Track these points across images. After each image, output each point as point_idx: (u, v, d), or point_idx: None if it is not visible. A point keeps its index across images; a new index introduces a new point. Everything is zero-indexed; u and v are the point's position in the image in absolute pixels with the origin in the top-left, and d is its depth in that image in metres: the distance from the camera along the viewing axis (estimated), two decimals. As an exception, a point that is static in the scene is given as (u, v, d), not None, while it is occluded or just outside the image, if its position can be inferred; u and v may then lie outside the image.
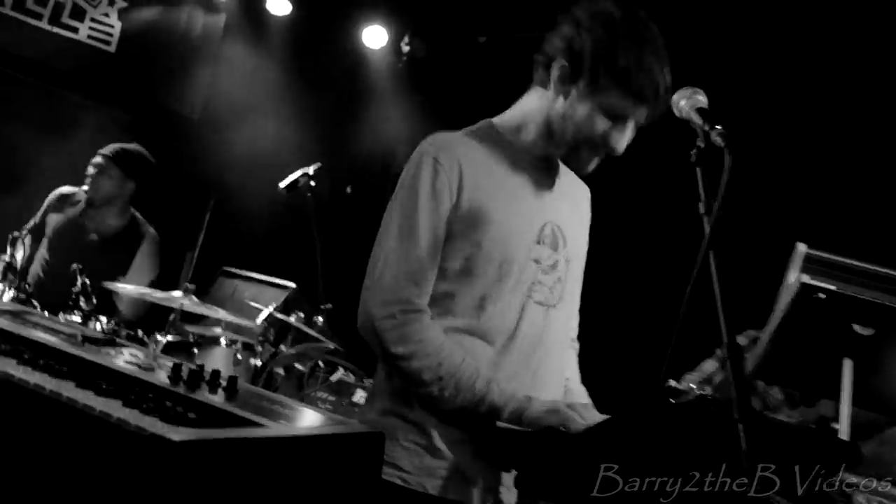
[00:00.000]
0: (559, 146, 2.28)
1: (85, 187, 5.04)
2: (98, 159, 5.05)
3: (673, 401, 1.74)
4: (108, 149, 5.10)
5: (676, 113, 2.17)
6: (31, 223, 5.00)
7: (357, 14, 7.05)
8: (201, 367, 1.61)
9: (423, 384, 2.14)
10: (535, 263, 2.26)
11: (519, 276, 2.23)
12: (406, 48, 7.09)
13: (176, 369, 1.60)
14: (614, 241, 2.56)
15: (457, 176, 2.18)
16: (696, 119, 2.06)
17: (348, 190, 7.24)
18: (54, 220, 5.03)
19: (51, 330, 1.84)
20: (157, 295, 4.19)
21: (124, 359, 1.68)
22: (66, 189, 5.13)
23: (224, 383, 1.65)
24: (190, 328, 4.57)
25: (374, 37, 7.08)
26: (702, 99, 2.12)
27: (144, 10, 6.50)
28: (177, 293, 4.20)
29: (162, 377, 1.59)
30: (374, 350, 2.22)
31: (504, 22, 6.38)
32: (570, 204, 2.44)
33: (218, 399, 1.53)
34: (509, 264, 2.21)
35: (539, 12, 2.50)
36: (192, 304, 4.16)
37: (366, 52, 7.18)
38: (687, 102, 2.12)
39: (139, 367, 1.63)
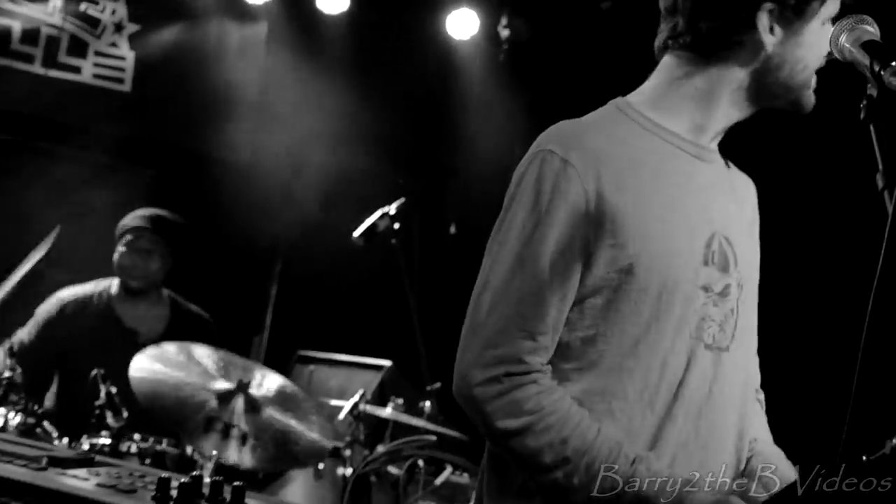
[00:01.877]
0: (773, 99, 2.27)
1: (114, 281, 5.14)
2: (143, 238, 5.09)
3: (865, 457, 1.65)
4: (144, 219, 5.15)
5: (836, 54, 2.15)
6: (22, 340, 4.95)
7: (436, -2, 7.11)
8: (198, 478, 1.59)
9: (543, 469, 2.08)
10: (703, 292, 2.20)
11: (684, 312, 2.16)
12: (505, 32, 7.11)
13: (163, 486, 1.59)
14: (771, 238, 2.48)
15: (593, 179, 2.12)
16: (863, 58, 2.00)
17: (452, 229, 7.27)
18: (63, 333, 5.04)
19: (7, 455, 1.86)
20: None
21: (98, 481, 1.68)
22: (68, 294, 5.14)
23: (228, 496, 1.63)
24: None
25: (462, 24, 7.12)
26: (870, 30, 2.08)
27: (163, 32, 6.73)
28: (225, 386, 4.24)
29: (145, 499, 1.58)
30: (476, 425, 2.18)
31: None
32: (737, 204, 2.38)
33: (219, 520, 1.50)
34: (671, 294, 2.14)
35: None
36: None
37: (453, 44, 7.24)
38: (849, 36, 2.08)
39: (116, 489, 1.63)
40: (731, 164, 2.42)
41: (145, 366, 4.18)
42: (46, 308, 5.08)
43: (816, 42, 2.21)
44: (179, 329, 5.15)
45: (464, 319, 2.17)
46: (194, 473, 1.62)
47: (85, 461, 1.86)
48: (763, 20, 2.16)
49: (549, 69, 6.98)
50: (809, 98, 2.27)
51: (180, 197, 6.25)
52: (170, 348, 4.34)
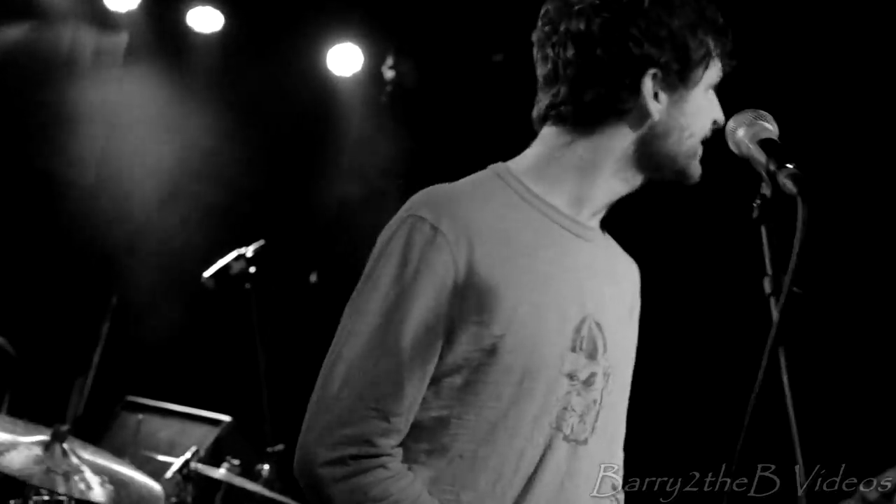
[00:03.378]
0: (658, 169, 2.30)
1: None
2: None
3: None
4: None
5: (733, 148, 2.15)
6: None
7: (318, 28, 7.15)
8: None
9: None
10: (567, 380, 2.21)
11: (545, 399, 2.18)
12: (390, 73, 7.18)
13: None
14: (651, 333, 2.53)
15: (465, 250, 2.13)
16: (759, 156, 2.03)
17: (313, 278, 7.25)
18: None
19: None
20: None
21: None
22: None
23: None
24: (63, 493, 4.50)
25: (345, 59, 7.18)
26: (769, 127, 2.10)
27: (5, 31, 6.57)
28: (34, 439, 4.13)
29: None
30: None
31: (528, 32, 6.43)
32: (614, 287, 2.40)
33: None
34: (534, 380, 2.16)
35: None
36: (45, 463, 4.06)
37: (333, 80, 7.29)
38: (746, 132, 2.10)
39: None
40: (615, 244, 2.46)
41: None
42: None
43: (701, 110, 2.26)
44: None
45: (315, 375, 2.14)
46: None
47: None
48: (647, 86, 2.19)
49: (434, 116, 7.04)
50: (695, 168, 2.30)
51: (9, 214, 6.13)
52: None
